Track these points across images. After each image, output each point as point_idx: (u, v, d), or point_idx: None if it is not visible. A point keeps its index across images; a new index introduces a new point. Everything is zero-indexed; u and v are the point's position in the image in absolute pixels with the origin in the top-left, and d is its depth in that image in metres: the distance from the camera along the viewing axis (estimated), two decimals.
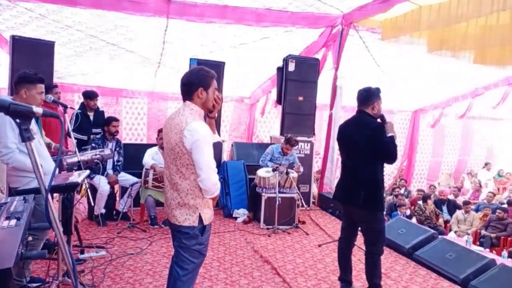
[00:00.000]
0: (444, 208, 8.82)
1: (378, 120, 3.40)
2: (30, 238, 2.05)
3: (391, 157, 3.28)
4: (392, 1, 5.44)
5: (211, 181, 2.26)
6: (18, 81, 3.00)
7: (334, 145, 6.85)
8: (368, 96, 3.38)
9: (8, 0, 5.27)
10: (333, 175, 7.09)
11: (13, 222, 1.74)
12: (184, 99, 2.35)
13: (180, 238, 2.34)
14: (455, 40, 5.91)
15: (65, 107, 3.91)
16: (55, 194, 3.10)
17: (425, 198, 8.31)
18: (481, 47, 6.01)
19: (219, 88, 6.55)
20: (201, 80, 2.33)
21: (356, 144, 3.28)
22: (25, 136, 1.12)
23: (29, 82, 2.99)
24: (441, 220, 8.28)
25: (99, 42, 6.51)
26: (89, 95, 5.69)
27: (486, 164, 12.55)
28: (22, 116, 1.09)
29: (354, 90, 8.99)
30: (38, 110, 1.16)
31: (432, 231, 4.91)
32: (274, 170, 5.55)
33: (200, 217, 2.33)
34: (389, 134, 3.28)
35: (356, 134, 3.29)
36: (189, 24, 6.10)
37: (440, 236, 4.98)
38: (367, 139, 3.20)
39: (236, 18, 5.99)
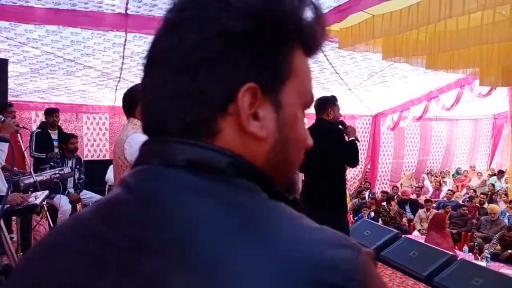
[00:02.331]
0: (407, 207, 9.13)
1: (340, 126, 3.52)
2: None
3: (353, 160, 3.41)
4: (346, 11, 5.64)
5: None
6: None
7: None
8: (322, 104, 3.51)
9: None
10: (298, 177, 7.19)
11: None
12: (127, 116, 2.35)
13: None
14: (408, 46, 6.20)
15: (16, 127, 3.77)
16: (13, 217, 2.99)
17: (389, 199, 8.58)
18: (431, 52, 6.34)
19: None
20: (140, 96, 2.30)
21: (317, 150, 3.36)
22: None
23: None
24: (405, 220, 8.56)
25: (56, 58, 6.34)
26: (47, 111, 5.54)
27: (499, 173, 12.12)
28: None
29: (314, 97, 9.19)
30: None
31: (396, 231, 5.09)
32: None
33: None
34: (351, 138, 3.40)
35: (316, 140, 3.38)
36: (149, 38, 6.06)
37: (403, 236, 5.16)
38: (327, 144, 3.30)
39: None
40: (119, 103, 9.11)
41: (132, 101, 2.26)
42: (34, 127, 8.03)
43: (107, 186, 5.10)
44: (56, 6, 5.14)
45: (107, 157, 8.91)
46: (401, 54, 6.39)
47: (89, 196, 5.19)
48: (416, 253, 4.42)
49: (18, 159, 3.32)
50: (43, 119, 7.85)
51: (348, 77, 8.59)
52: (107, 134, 9.04)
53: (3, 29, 5.47)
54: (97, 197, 5.16)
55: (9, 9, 5.06)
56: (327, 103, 3.46)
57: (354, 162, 3.46)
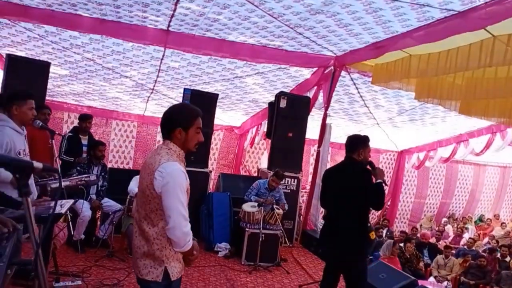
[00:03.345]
0: (426, 251, 8.85)
1: (368, 167, 3.47)
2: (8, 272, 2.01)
3: (378, 203, 3.35)
4: (383, 48, 5.63)
5: (181, 230, 2.00)
6: (8, 100, 3.01)
7: (320, 183, 6.90)
8: (355, 143, 3.47)
9: (8, 19, 5.31)
10: (318, 212, 7.11)
11: None
12: (164, 137, 2.16)
13: None
14: (442, 89, 6.10)
15: (52, 132, 3.89)
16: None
17: (407, 240, 8.35)
18: (466, 98, 6.22)
19: (211, 120, 6.61)
20: (180, 119, 2.11)
21: (344, 189, 3.33)
22: (23, 191, 1.11)
23: (18, 99, 3.00)
24: (421, 264, 8.28)
25: (95, 65, 6.56)
26: (81, 117, 5.70)
27: None
28: (21, 172, 1.09)
29: (341, 127, 9.08)
30: (38, 165, 1.16)
31: (412, 278, 4.91)
32: (259, 205, 5.54)
33: (166, 271, 2.04)
34: (378, 180, 3.34)
35: (344, 179, 3.36)
36: (186, 55, 6.22)
37: (420, 283, 4.98)
38: (355, 184, 3.27)
39: (232, 52, 6.12)
40: (149, 113, 9.34)
41: (173, 124, 2.10)
42: (64, 127, 8.29)
43: (128, 197, 5.15)
44: (103, 17, 5.36)
45: (131, 165, 9.07)
46: (435, 96, 6.30)
47: (109, 204, 5.25)
48: None
49: (48, 163, 3.39)
50: (75, 121, 8.13)
51: (377, 112, 8.53)
52: (133, 142, 9.22)
53: (50, 34, 5.72)
54: (117, 206, 5.22)
55: (58, 15, 5.29)
56: (360, 144, 3.42)
57: (379, 205, 3.39)
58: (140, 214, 2.10)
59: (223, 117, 9.33)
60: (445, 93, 6.16)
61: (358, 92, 7.54)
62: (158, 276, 2.04)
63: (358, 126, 9.39)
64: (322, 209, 7.92)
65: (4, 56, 5.77)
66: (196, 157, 5.86)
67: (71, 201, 3.08)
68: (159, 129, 9.20)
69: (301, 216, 7.45)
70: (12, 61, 5.37)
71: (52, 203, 2.89)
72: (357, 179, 3.30)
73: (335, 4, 4.55)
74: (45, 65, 5.64)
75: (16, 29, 5.61)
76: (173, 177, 1.98)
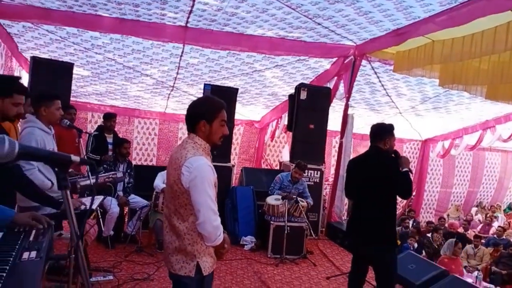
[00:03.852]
0: None
1: (392, 155, 3.42)
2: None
3: (406, 192, 3.30)
4: (405, 35, 5.51)
5: (211, 225, 1.99)
6: (36, 101, 3.09)
7: (344, 174, 6.84)
8: (381, 132, 3.41)
9: (31, 23, 5.44)
10: (343, 203, 7.05)
11: (33, 254, 1.70)
12: (188, 131, 2.13)
13: None
14: (467, 75, 5.93)
15: (79, 131, 3.98)
16: None
17: (434, 231, 8.20)
18: (493, 83, 6.03)
19: (231, 114, 6.61)
20: (204, 112, 2.10)
21: (370, 180, 3.28)
22: (62, 184, 1.14)
23: (46, 100, 3.08)
24: None
25: (116, 65, 6.66)
26: (105, 116, 5.80)
27: None
28: (60, 165, 1.13)
29: (363, 118, 8.95)
30: (76, 158, 1.20)
31: (442, 268, 4.83)
32: (283, 198, 5.53)
33: (198, 266, 2.04)
34: (404, 169, 3.28)
35: (370, 169, 3.31)
36: (204, 51, 6.23)
37: (450, 274, 4.89)
38: (381, 174, 3.22)
39: (251, 46, 6.10)
40: (170, 110, 9.42)
41: (197, 117, 2.08)
42: (89, 127, 8.46)
43: (154, 192, 5.23)
44: (122, 16, 5.42)
45: (154, 162, 9.20)
46: (460, 81, 6.12)
47: (136, 200, 5.34)
48: None
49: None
50: (98, 120, 8.29)
51: (399, 100, 8.37)
52: (155, 139, 9.34)
53: (72, 35, 5.83)
54: (144, 202, 5.30)
55: (79, 16, 5.39)
56: (386, 132, 3.35)
57: (407, 194, 3.33)
58: (169, 209, 2.10)
59: (243, 111, 9.34)
60: (470, 78, 5.98)
61: (380, 81, 7.41)
62: (191, 271, 2.04)
63: (380, 116, 9.25)
64: (346, 201, 7.90)
65: (29, 59, 5.93)
66: (219, 151, 5.89)
67: (101, 197, 3.15)
68: (180, 125, 9.39)
69: (325, 209, 7.41)
70: (37, 63, 5.51)
71: (83, 200, 2.96)
72: (384, 168, 3.24)
73: None
74: (69, 66, 5.76)
75: (39, 32, 5.74)
76: (200, 172, 1.97)
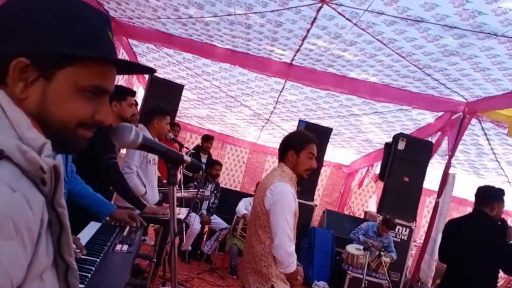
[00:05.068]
0: None
1: (499, 223, 3.07)
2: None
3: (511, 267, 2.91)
4: None
5: (285, 250, 2.02)
6: (152, 112, 3.40)
7: (437, 238, 6.26)
8: (489, 197, 3.09)
9: (155, 45, 6.10)
10: (430, 269, 6.42)
11: (125, 247, 1.86)
12: (279, 160, 2.25)
13: None
14: None
15: (181, 145, 4.26)
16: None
17: None
18: None
19: (321, 154, 6.55)
20: (293, 142, 2.21)
21: (473, 245, 2.96)
22: (172, 181, 1.24)
23: (160, 114, 3.38)
24: None
25: (220, 92, 7.10)
26: (204, 137, 6.16)
27: None
28: (173, 162, 1.23)
29: (464, 181, 8.20)
30: (187, 158, 1.29)
31: None
32: (365, 249, 5.23)
33: None
34: (511, 242, 2.92)
35: (473, 234, 2.99)
36: (304, 89, 6.36)
37: None
38: (486, 241, 2.88)
39: (352, 89, 6.06)
40: (261, 141, 9.67)
41: (287, 146, 2.20)
42: None
43: (235, 217, 5.33)
44: (234, 48, 5.82)
45: (238, 188, 9.44)
46: None
47: (217, 221, 5.50)
48: None
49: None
50: (195, 141, 8.83)
51: (510, 168, 7.54)
52: (243, 167, 9.62)
53: (187, 60, 6.39)
54: (224, 224, 5.43)
55: (196, 44, 5.90)
56: (495, 197, 3.02)
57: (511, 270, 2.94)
58: (250, 230, 2.20)
59: (332, 153, 9.21)
60: None
61: (489, 144, 6.78)
62: None
63: (483, 182, 8.39)
64: (434, 267, 7.17)
65: (147, 77, 6.62)
66: (303, 188, 5.83)
67: (188, 210, 3.29)
68: (268, 158, 9.56)
69: (408, 271, 6.81)
70: (154, 82, 6.11)
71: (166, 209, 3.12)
72: (490, 235, 2.91)
73: (473, 47, 4.22)
74: (180, 88, 6.28)
75: (160, 54, 6.40)
76: (282, 196, 2.05)
